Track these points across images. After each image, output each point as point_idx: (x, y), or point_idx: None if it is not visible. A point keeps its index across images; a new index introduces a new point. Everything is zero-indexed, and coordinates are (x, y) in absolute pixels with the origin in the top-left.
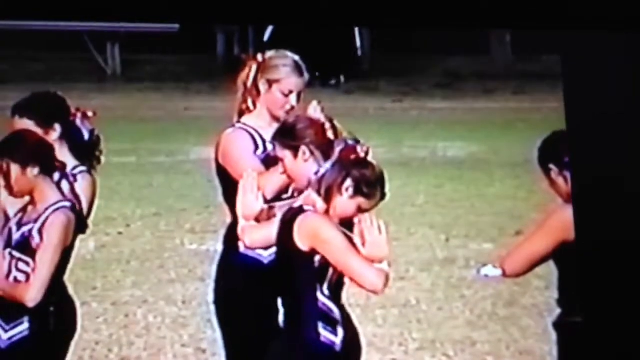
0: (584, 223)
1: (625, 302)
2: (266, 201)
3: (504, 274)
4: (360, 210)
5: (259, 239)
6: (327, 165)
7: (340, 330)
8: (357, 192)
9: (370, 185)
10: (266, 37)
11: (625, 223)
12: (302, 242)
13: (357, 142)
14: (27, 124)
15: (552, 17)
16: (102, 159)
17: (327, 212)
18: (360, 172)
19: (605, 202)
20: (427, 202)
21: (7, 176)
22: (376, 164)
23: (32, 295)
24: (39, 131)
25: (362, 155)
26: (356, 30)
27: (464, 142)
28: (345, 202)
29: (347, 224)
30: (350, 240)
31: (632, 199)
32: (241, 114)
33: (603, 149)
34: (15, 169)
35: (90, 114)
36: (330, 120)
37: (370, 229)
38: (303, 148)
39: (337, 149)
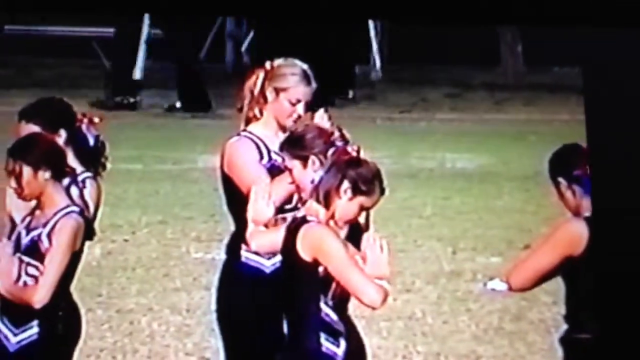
0: (602, 238)
1: (635, 319)
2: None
3: (510, 288)
4: (363, 208)
5: (265, 244)
6: (321, 171)
7: (342, 342)
8: (356, 191)
9: (368, 182)
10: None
11: None
12: (305, 252)
13: (347, 142)
14: (33, 129)
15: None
16: (108, 165)
17: (331, 217)
18: (355, 171)
19: (624, 217)
20: (434, 214)
21: (18, 178)
22: (370, 161)
23: (39, 296)
24: (46, 134)
25: (354, 154)
26: (374, 44)
27: (473, 154)
28: (345, 204)
29: (355, 238)
30: (354, 253)
31: None
32: (248, 121)
33: (623, 161)
34: (27, 171)
35: (96, 120)
36: (339, 130)
37: (372, 247)
38: (312, 158)
39: (330, 153)
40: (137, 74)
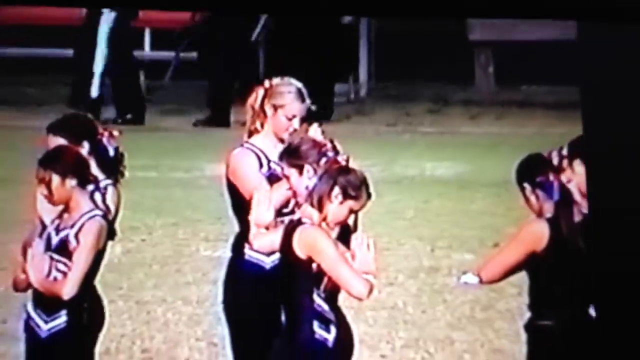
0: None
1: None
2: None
3: (481, 281)
4: (352, 212)
5: (266, 244)
6: (315, 179)
7: (333, 329)
8: (346, 196)
9: (356, 188)
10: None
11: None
12: (300, 250)
13: (338, 152)
14: (60, 142)
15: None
16: (126, 173)
17: (324, 219)
18: (345, 178)
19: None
20: (415, 216)
21: (48, 185)
22: (358, 169)
23: (67, 289)
24: (72, 146)
25: (344, 163)
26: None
27: (451, 163)
28: (336, 207)
29: (344, 237)
30: (343, 252)
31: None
32: (250, 134)
33: (620, 161)
34: (56, 179)
35: (115, 133)
36: (331, 141)
37: (361, 246)
38: (307, 167)
39: (325, 160)
40: (94, 91)
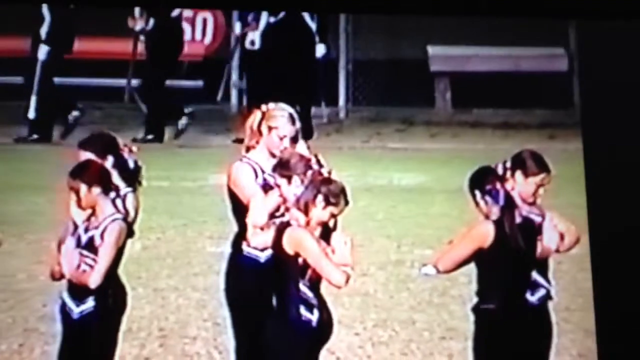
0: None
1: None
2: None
3: (438, 272)
4: (333, 215)
5: (260, 242)
6: (302, 187)
7: (316, 312)
8: (327, 203)
9: (336, 196)
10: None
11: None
12: (289, 247)
13: (322, 166)
14: (88, 156)
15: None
16: (144, 182)
17: (309, 221)
18: (327, 188)
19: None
20: (384, 218)
21: (77, 193)
22: (338, 180)
23: (94, 279)
24: (97, 160)
25: (327, 175)
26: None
27: (414, 174)
28: (320, 212)
29: (325, 235)
30: (324, 248)
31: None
32: (248, 149)
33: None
34: (83, 188)
35: (134, 148)
36: (315, 156)
37: (339, 243)
38: (295, 177)
39: (311, 172)
40: (31, 114)
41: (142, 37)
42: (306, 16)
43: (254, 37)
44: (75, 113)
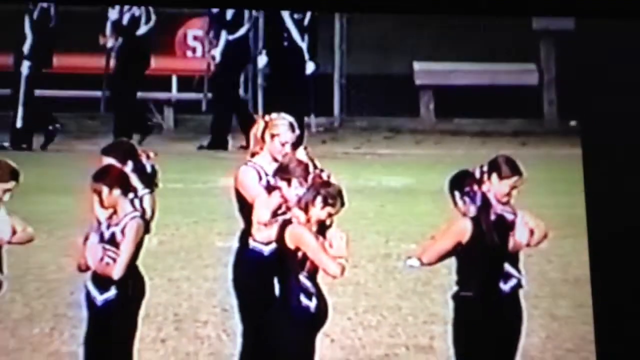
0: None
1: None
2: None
3: (422, 264)
4: (330, 214)
5: (264, 237)
6: (302, 189)
7: (314, 299)
8: (325, 203)
9: (333, 197)
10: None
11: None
12: (290, 242)
13: (322, 170)
14: (109, 161)
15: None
16: (160, 184)
17: (308, 219)
18: (325, 190)
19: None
20: (374, 216)
21: (100, 195)
22: (336, 183)
23: (116, 271)
24: (118, 165)
25: (326, 178)
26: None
27: (400, 177)
28: (318, 211)
29: (322, 231)
30: (322, 242)
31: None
32: (252, 155)
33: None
34: (105, 190)
35: (151, 154)
36: (312, 160)
37: (335, 238)
38: (294, 180)
39: (311, 176)
40: (18, 123)
41: (113, 53)
42: (296, 36)
43: (215, 53)
44: (55, 125)
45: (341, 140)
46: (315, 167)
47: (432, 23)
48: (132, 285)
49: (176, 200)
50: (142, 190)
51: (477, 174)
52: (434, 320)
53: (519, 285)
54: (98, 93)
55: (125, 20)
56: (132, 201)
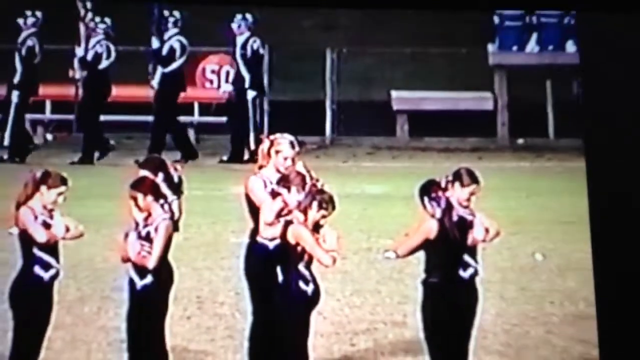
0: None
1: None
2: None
3: (397, 256)
4: (324, 216)
5: (269, 234)
6: (301, 195)
7: (310, 284)
8: (320, 207)
9: (327, 203)
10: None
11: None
12: (291, 238)
13: (317, 180)
14: (144, 173)
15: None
16: (185, 192)
17: (306, 220)
18: (320, 197)
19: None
20: (359, 217)
21: (136, 201)
22: (329, 191)
23: (151, 262)
24: (151, 176)
25: (320, 187)
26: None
27: (380, 186)
28: (314, 214)
29: (317, 229)
30: (317, 238)
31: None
32: (260, 167)
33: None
34: (140, 197)
35: (178, 167)
36: (309, 172)
37: (328, 235)
38: (293, 188)
39: (307, 185)
40: (6, 141)
41: (79, 84)
42: (242, 69)
43: (153, 83)
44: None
45: (332, 155)
46: (311, 177)
47: (406, 59)
48: (164, 273)
49: (198, 204)
50: (170, 196)
51: (442, 183)
52: (406, 301)
53: (475, 273)
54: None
55: (90, 56)
56: (162, 206)
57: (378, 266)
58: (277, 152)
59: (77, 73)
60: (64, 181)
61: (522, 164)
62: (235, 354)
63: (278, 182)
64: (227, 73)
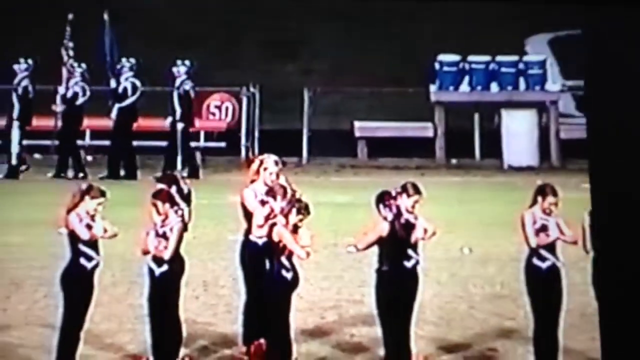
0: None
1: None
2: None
3: (357, 250)
4: (301, 220)
5: (259, 234)
6: (284, 203)
7: (290, 272)
8: (298, 213)
9: (304, 209)
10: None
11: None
12: (275, 237)
13: (295, 191)
14: (161, 186)
15: None
16: (193, 200)
17: (287, 223)
18: (298, 204)
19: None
20: (330, 220)
21: (156, 207)
22: (305, 200)
23: (167, 254)
24: (166, 188)
25: (298, 196)
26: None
27: (346, 196)
28: (294, 218)
29: (295, 230)
30: (295, 237)
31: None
32: (252, 181)
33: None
34: (159, 204)
35: (188, 181)
36: (290, 185)
37: (304, 234)
38: (278, 197)
39: (288, 195)
40: (13, 161)
41: (59, 116)
42: (176, 103)
43: (112, 115)
44: (24, 166)
45: (307, 172)
46: (291, 189)
47: (366, 97)
48: (177, 263)
49: (203, 210)
50: (182, 204)
51: (393, 193)
52: (364, 285)
53: (417, 263)
54: (157, 143)
55: (69, 94)
56: (176, 211)
57: (342, 258)
58: (264, 169)
59: (59, 107)
60: (103, 193)
61: (454, 179)
62: (233, 325)
63: (266, 193)
64: (227, 108)
